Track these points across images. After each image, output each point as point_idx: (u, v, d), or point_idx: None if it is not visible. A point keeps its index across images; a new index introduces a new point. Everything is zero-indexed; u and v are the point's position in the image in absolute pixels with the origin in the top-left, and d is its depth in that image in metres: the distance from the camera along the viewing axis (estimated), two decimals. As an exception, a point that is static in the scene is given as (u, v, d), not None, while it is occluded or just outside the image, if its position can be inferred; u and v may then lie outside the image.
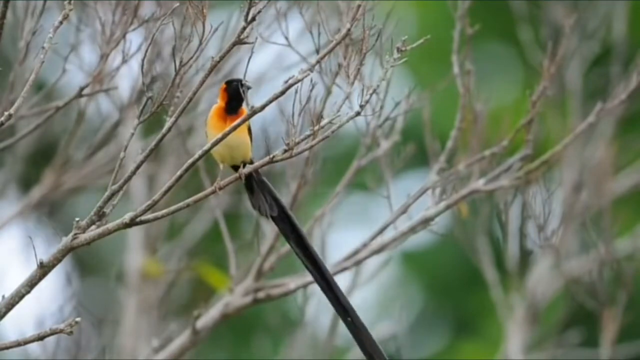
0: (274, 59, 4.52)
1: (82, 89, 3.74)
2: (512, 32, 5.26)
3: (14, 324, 3.95)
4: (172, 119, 2.99)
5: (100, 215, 3.03)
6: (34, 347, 4.44)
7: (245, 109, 3.08)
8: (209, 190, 3.09)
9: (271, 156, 3.04)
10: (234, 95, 3.12)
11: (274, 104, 2.98)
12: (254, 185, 3.21)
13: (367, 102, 3.02)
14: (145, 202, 3.03)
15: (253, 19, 2.95)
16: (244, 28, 2.97)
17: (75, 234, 3.02)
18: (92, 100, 4.09)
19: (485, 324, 6.27)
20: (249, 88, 3.06)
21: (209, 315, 3.84)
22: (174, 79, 2.99)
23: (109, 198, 3.02)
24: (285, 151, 3.02)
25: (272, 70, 4.54)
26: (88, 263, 6.39)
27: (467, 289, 6.40)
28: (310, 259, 3.29)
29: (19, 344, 3.03)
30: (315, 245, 4.09)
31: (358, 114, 3.02)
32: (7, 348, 3.03)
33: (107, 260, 6.32)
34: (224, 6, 4.36)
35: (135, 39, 3.73)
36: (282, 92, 2.97)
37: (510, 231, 4.72)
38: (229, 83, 3.14)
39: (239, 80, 3.11)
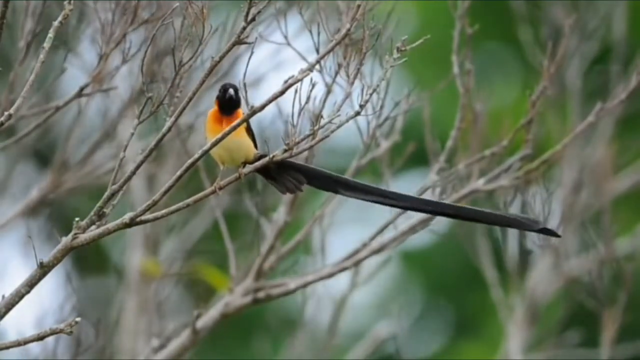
0: (272, 57, 4.52)
1: (82, 88, 3.74)
2: (512, 32, 5.26)
3: (14, 324, 3.95)
4: (172, 119, 2.99)
5: (100, 215, 3.03)
6: (34, 347, 4.44)
7: (241, 111, 3.08)
8: (208, 190, 3.09)
9: (271, 156, 3.04)
10: (225, 104, 3.12)
11: (273, 103, 2.99)
12: (273, 172, 3.18)
13: (367, 101, 3.02)
14: (145, 202, 3.03)
15: (253, 19, 2.95)
16: (244, 28, 2.97)
17: (75, 234, 3.02)
18: (92, 100, 4.09)
19: (485, 324, 6.28)
20: (235, 93, 3.07)
21: (209, 315, 3.84)
22: (174, 79, 2.99)
23: (109, 198, 3.02)
24: (285, 151, 3.02)
25: (271, 70, 4.54)
26: (88, 263, 6.39)
27: (467, 289, 6.40)
28: (367, 192, 3.25)
29: (19, 343, 3.03)
30: (315, 245, 4.10)
31: (358, 113, 3.02)
32: (7, 348, 3.03)
33: (107, 260, 6.33)
34: (223, 6, 4.36)
35: (135, 39, 3.73)
36: (282, 92, 2.97)
37: (510, 231, 4.72)
38: (219, 91, 3.14)
39: (226, 88, 3.11)
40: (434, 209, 3.29)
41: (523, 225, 3.25)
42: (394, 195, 3.25)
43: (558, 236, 3.37)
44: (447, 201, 3.31)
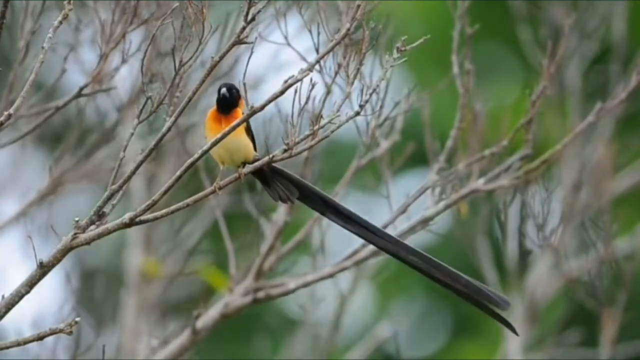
0: (272, 59, 4.52)
1: (81, 88, 3.74)
2: (512, 32, 5.26)
3: (14, 324, 3.96)
4: (172, 118, 3.00)
5: (100, 215, 3.03)
6: (33, 347, 4.44)
7: (239, 111, 3.09)
8: (208, 190, 3.09)
9: (271, 156, 3.04)
10: (217, 103, 3.13)
11: (273, 103, 2.99)
12: (268, 178, 3.20)
13: (366, 101, 3.02)
14: (145, 202, 3.03)
15: (253, 18, 2.95)
16: (244, 28, 2.97)
17: (75, 234, 3.02)
18: (92, 100, 4.09)
19: (485, 324, 6.27)
20: (227, 90, 3.07)
21: (209, 315, 3.85)
22: (174, 79, 2.99)
23: (109, 198, 3.02)
24: (285, 151, 3.02)
25: (271, 71, 4.54)
26: (88, 263, 6.39)
27: (467, 289, 6.39)
28: (352, 222, 3.25)
29: (18, 343, 3.03)
30: (314, 245, 4.10)
31: (358, 113, 3.02)
32: (6, 348, 3.03)
33: (108, 260, 6.33)
34: (221, 6, 4.36)
35: (135, 38, 3.73)
36: (282, 92, 2.97)
37: (510, 231, 4.72)
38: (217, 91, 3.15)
39: (220, 87, 3.12)
40: (411, 260, 3.25)
41: (492, 301, 3.24)
42: (380, 233, 3.26)
43: (516, 333, 3.38)
44: (430, 256, 3.28)
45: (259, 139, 3.19)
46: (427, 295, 6.77)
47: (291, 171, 3.36)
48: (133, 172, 3.01)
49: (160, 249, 5.15)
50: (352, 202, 6.44)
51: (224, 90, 3.12)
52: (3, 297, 3.02)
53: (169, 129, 3.00)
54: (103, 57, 3.71)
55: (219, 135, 3.01)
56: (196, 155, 3.01)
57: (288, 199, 3.21)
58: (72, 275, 5.63)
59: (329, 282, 4.05)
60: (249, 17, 2.95)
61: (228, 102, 3.12)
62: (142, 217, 3.03)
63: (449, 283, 3.24)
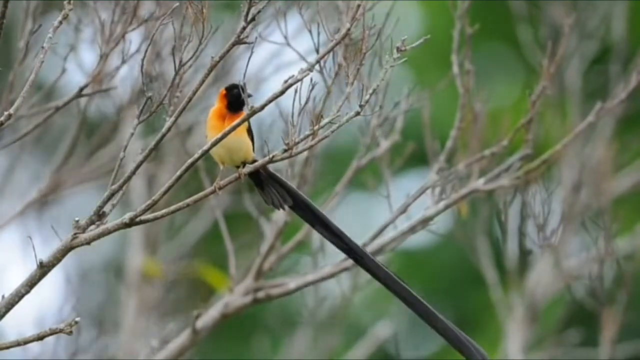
0: (271, 58, 4.52)
1: (81, 88, 3.74)
2: (512, 32, 5.26)
3: (14, 324, 3.95)
4: (172, 119, 3.00)
5: (100, 215, 3.03)
6: (33, 347, 4.44)
7: (243, 112, 3.08)
8: (208, 190, 3.09)
9: (271, 156, 3.04)
10: (234, 102, 3.13)
11: (273, 103, 2.99)
12: (263, 181, 3.21)
13: (366, 102, 3.02)
14: (145, 202, 3.03)
15: (253, 18, 2.95)
16: (244, 28, 2.97)
17: (75, 234, 3.02)
18: (92, 100, 4.09)
19: (485, 324, 6.27)
20: (249, 95, 3.06)
21: (209, 315, 3.85)
22: (174, 79, 2.99)
23: (109, 198, 3.03)
24: (285, 151, 3.02)
25: (271, 70, 4.54)
26: (88, 263, 6.39)
27: (466, 289, 6.40)
28: (339, 238, 3.27)
29: (18, 343, 3.03)
30: (314, 244, 4.10)
31: (358, 113, 3.02)
32: (7, 348, 3.03)
33: (108, 260, 6.33)
34: (221, 6, 4.36)
35: (134, 39, 3.74)
36: (282, 92, 2.97)
37: (510, 231, 4.73)
38: (229, 89, 3.14)
39: (240, 87, 3.11)
40: (394, 288, 3.29)
41: (470, 352, 3.25)
42: (365, 255, 3.28)
43: None
44: (412, 290, 3.31)
45: (259, 140, 3.19)
46: (427, 295, 6.76)
47: (290, 170, 3.36)
48: (133, 172, 3.01)
49: (160, 249, 5.15)
50: (353, 202, 6.45)
51: (238, 91, 3.12)
52: (3, 297, 3.02)
53: (169, 129, 3.00)
54: (103, 57, 3.71)
55: (219, 135, 3.01)
56: (196, 155, 3.01)
57: (280, 205, 3.22)
58: (72, 275, 5.63)
59: (330, 282, 4.05)
60: (249, 17, 2.95)
61: (241, 102, 3.11)
62: (142, 217, 3.03)
63: (429, 322, 3.28)
